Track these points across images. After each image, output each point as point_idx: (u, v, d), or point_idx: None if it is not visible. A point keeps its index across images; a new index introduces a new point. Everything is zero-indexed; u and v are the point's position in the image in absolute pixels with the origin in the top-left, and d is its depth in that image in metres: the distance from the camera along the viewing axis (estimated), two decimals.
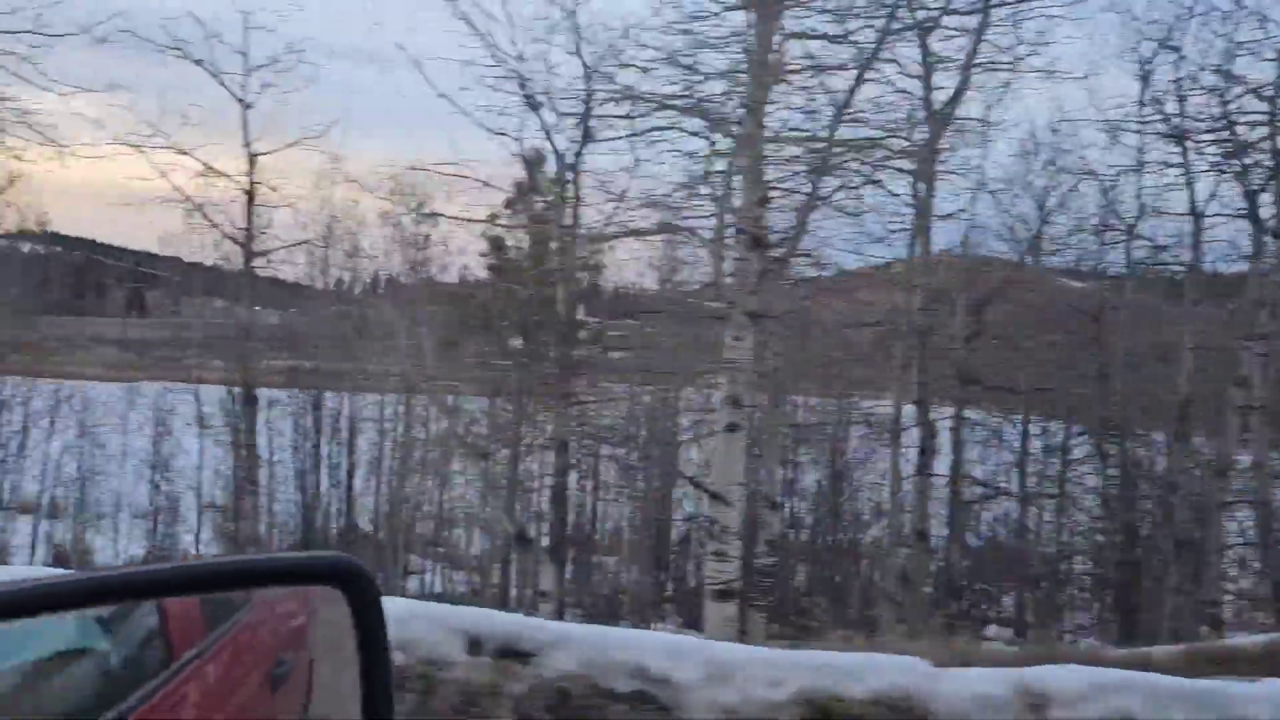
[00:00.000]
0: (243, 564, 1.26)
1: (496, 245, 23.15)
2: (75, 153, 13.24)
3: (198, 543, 22.16)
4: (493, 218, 22.65)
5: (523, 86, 14.47)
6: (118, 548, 21.81)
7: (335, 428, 22.60)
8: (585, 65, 14.15)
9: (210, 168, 17.16)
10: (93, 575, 1.30)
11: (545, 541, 15.69)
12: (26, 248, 24.96)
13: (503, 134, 15.01)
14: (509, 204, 22.65)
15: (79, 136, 13.40)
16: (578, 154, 14.98)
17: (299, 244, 20.35)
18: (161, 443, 23.37)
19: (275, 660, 1.35)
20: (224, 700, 1.29)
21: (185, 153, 16.76)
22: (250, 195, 17.64)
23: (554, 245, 16.95)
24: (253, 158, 17.48)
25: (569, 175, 15.04)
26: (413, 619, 4.67)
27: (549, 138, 15.32)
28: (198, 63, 16.60)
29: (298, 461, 22.35)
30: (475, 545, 22.85)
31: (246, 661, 1.31)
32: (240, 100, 16.99)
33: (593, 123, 14.49)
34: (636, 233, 13.67)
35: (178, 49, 16.34)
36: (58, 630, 1.16)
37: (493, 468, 16.73)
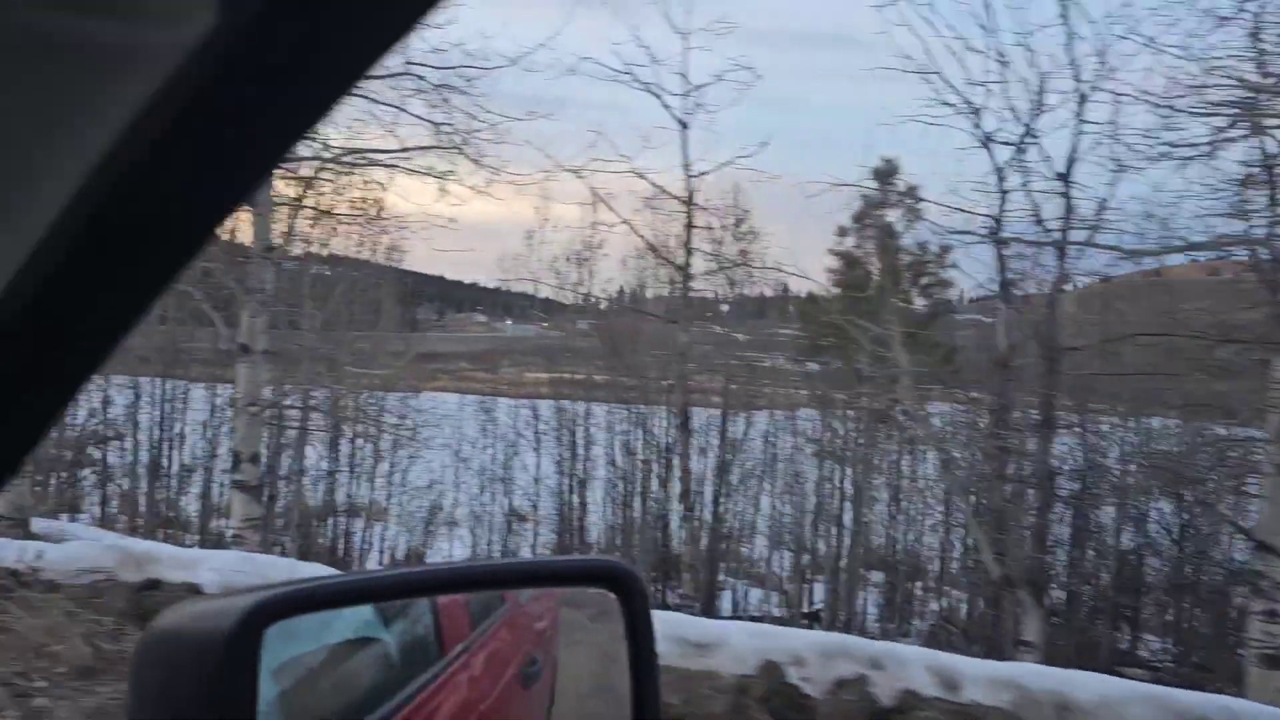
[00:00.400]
0: (520, 566, 1.38)
1: (850, 262, 23.09)
2: (512, 181, 14.23)
3: (534, 552, 23.58)
4: (842, 232, 22.65)
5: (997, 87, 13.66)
6: (454, 554, 23.66)
7: (656, 444, 23.35)
8: (1074, 62, 13.10)
9: (664, 190, 17.63)
10: (390, 573, 1.46)
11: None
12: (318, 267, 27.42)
13: (1008, 143, 13.87)
14: (858, 218, 22.63)
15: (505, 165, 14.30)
16: (1069, 160, 13.80)
17: (733, 265, 20.43)
18: (503, 454, 25.01)
19: (528, 659, 1.45)
20: (485, 695, 1.41)
21: (642, 176, 17.41)
22: (689, 217, 17.92)
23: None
24: (690, 179, 17.74)
25: (1061, 187, 13.88)
26: (1127, 702, 4.34)
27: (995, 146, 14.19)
28: (645, 86, 17.03)
29: (616, 476, 23.30)
30: (777, 564, 22.86)
31: (502, 659, 1.42)
32: (680, 121, 17.27)
33: (1088, 125, 13.35)
34: (1193, 246, 12.59)
35: (627, 74, 16.81)
36: (346, 622, 1.30)
37: (977, 504, 16.03)
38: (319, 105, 0.54)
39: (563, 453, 24.00)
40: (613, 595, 1.27)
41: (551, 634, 1.41)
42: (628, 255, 23.36)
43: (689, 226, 18.03)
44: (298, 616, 1.14)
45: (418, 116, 12.40)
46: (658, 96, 17.09)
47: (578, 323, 28.19)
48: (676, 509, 20.24)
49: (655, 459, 22.96)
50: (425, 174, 13.38)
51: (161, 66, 0.45)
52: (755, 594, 21.77)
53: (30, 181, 0.48)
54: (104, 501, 22.07)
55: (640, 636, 1.26)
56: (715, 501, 22.87)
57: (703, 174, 17.79)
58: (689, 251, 18.32)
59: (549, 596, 1.37)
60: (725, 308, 25.77)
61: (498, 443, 24.95)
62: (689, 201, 17.85)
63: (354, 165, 13.40)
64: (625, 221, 18.72)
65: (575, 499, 23.69)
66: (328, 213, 15.07)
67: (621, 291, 26.00)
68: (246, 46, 0.47)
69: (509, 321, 32.76)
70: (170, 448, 23.08)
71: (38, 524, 13.18)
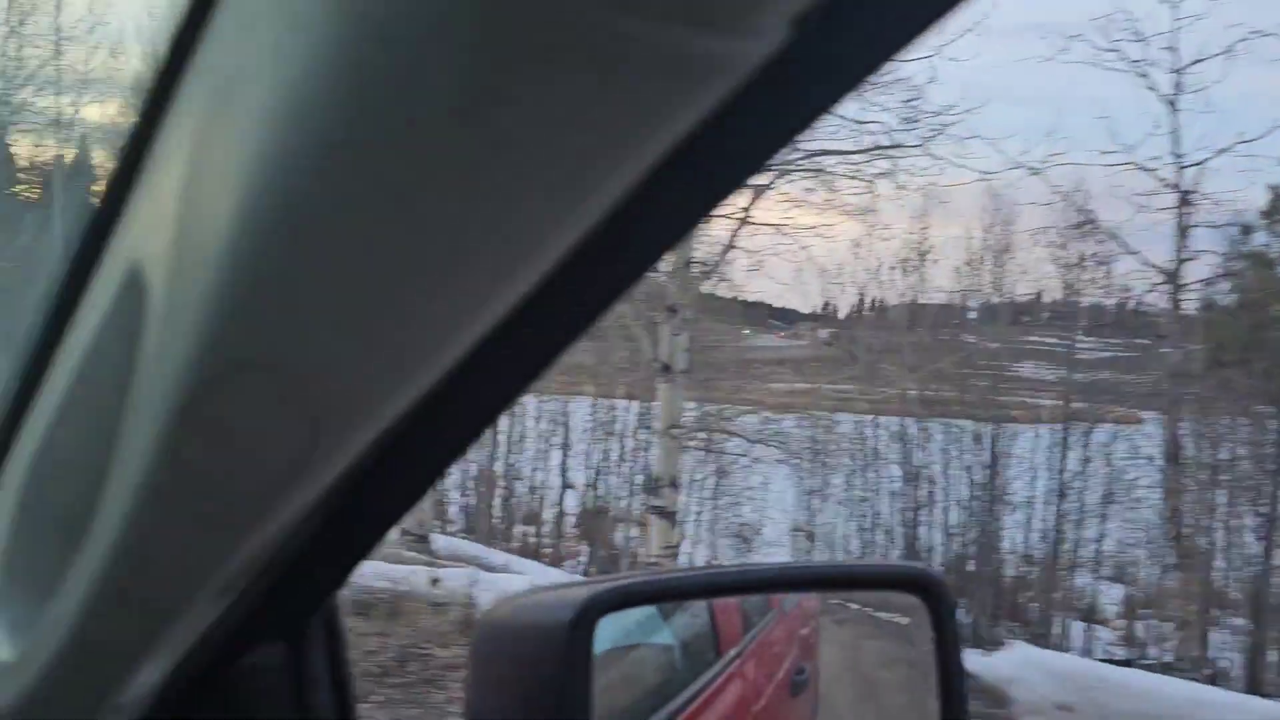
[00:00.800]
0: (825, 569, 1.44)
1: (1261, 262, 20.63)
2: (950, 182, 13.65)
3: None
4: (1244, 230, 20.36)
5: None
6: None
7: (985, 461, 22.43)
8: None
9: (1165, 182, 15.99)
10: (704, 571, 1.56)
11: None
12: None
13: None
14: (1268, 214, 20.25)
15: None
16: None
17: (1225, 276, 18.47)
18: (821, 471, 24.80)
19: (796, 668, 1.49)
20: (755, 700, 1.47)
21: (1146, 169, 15.83)
22: (1182, 210, 16.37)
23: None
24: (1183, 169, 16.09)
25: None
26: None
27: None
28: (1134, 64, 15.50)
29: (937, 497, 22.62)
30: (1111, 599, 21.24)
31: (770, 665, 1.47)
32: (1169, 102, 15.83)
33: None
34: None
35: (1113, 51, 15.32)
36: (632, 620, 1.39)
37: None
38: (819, 113, 0.55)
39: (882, 471, 23.52)
40: (919, 601, 1.30)
41: (814, 641, 1.46)
42: (963, 260, 22.18)
43: (1183, 226, 16.25)
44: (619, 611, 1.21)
45: (849, 119, 12.09)
46: (1144, 76, 15.31)
47: (819, 332, 27.13)
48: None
49: (980, 476, 22.10)
50: (860, 179, 13.27)
51: (725, 78, 0.47)
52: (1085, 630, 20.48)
53: (571, 188, 0.49)
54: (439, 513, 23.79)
55: (947, 644, 1.29)
56: (1056, 527, 21.71)
57: (1200, 163, 15.78)
58: (1181, 255, 16.39)
59: (813, 602, 1.42)
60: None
61: (820, 457, 24.74)
62: (1184, 194, 15.92)
63: (796, 170, 13.04)
64: (1089, 220, 17.26)
65: (900, 518, 23.17)
66: (770, 224, 14.48)
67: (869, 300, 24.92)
68: (801, 65, 0.51)
69: (745, 331, 32.38)
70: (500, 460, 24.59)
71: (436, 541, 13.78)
